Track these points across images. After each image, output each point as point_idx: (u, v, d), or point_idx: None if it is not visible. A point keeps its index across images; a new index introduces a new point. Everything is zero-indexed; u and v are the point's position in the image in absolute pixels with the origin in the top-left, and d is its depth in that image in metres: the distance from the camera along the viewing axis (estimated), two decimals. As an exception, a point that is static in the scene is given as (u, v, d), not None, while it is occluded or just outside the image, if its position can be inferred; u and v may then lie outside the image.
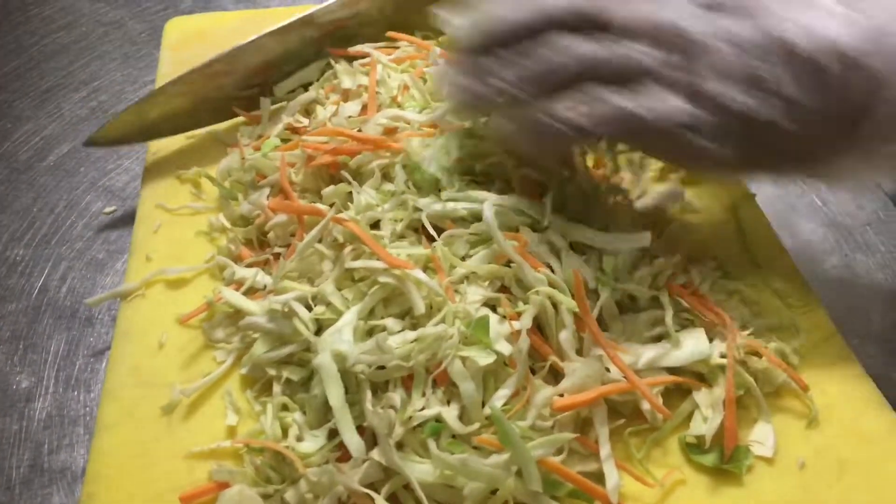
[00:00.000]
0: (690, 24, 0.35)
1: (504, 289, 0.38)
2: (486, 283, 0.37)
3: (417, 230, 0.40)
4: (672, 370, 0.37)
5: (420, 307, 0.36)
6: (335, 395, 0.34)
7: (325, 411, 0.36)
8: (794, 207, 0.51)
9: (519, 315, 0.36)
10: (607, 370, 0.36)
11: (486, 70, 0.37)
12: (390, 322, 0.37)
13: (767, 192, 0.50)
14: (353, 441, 0.34)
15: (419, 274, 0.37)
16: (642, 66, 0.35)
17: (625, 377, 0.35)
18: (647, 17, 0.35)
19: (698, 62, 0.34)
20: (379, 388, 0.36)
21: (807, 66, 0.34)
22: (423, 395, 0.35)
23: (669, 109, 0.35)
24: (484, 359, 0.34)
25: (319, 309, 0.38)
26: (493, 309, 0.37)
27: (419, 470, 0.33)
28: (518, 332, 0.36)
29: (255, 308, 0.39)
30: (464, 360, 0.35)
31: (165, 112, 0.49)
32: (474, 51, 0.38)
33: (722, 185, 0.47)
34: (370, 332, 0.37)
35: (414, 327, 0.37)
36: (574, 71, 0.36)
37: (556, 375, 0.37)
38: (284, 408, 0.37)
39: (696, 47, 0.34)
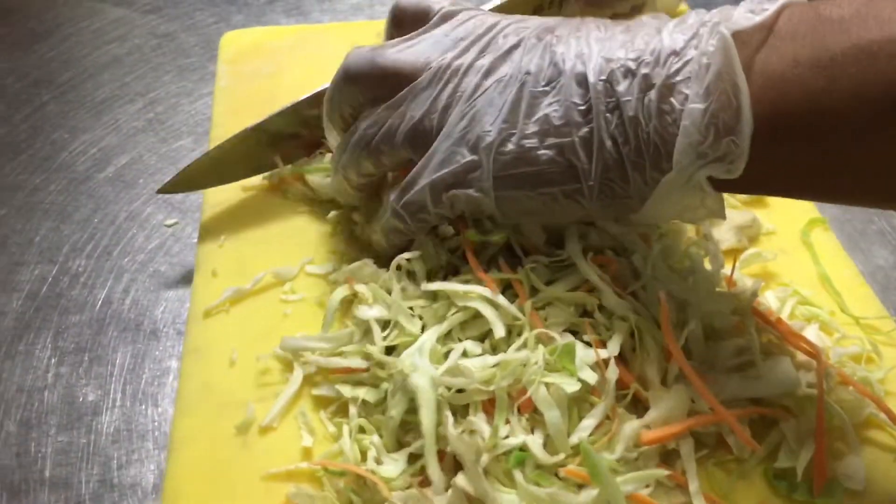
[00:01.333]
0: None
1: (586, 313, 0.37)
2: (570, 308, 0.37)
3: (495, 256, 0.40)
4: (755, 399, 0.37)
5: (500, 331, 0.36)
6: (428, 419, 0.33)
7: (402, 434, 0.36)
8: (863, 233, 0.50)
9: (604, 343, 0.35)
10: (692, 400, 0.35)
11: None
12: (469, 345, 0.37)
13: (835, 216, 0.49)
14: (436, 467, 0.33)
15: (500, 298, 0.36)
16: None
17: (712, 409, 0.34)
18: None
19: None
20: (458, 413, 0.35)
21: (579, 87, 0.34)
22: (507, 422, 0.34)
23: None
24: (571, 386, 0.34)
25: (393, 333, 0.37)
26: (576, 335, 0.36)
27: (507, 500, 0.32)
28: (602, 360, 0.35)
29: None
30: (548, 386, 0.34)
31: (238, 156, 0.48)
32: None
33: (791, 208, 0.47)
34: (446, 355, 0.37)
35: (493, 351, 0.36)
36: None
37: (636, 403, 0.36)
38: (361, 430, 0.36)
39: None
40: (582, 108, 0.34)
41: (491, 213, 0.37)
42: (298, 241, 0.46)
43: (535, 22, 0.38)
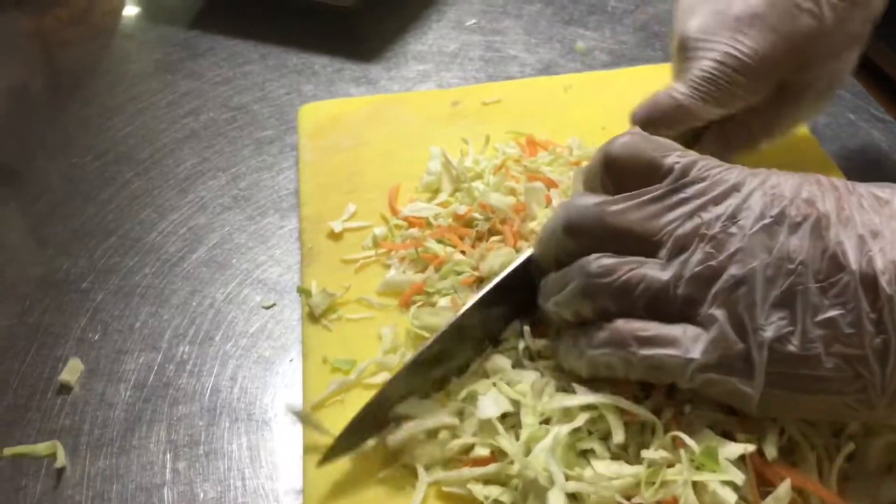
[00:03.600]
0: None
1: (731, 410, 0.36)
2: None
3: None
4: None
5: (620, 437, 0.35)
6: None
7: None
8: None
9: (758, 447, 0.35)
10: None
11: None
12: (597, 447, 0.36)
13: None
14: None
15: (640, 410, 0.36)
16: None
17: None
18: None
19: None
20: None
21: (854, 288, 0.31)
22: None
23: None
24: (730, 496, 0.33)
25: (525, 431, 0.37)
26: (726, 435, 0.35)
27: None
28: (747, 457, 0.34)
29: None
30: (701, 491, 0.33)
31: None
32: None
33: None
34: (576, 452, 0.36)
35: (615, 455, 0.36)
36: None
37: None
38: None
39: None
40: (873, 316, 0.31)
41: (748, 407, 0.34)
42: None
43: (789, 186, 0.34)
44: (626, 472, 0.34)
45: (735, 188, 0.34)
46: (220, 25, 0.76)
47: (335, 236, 0.52)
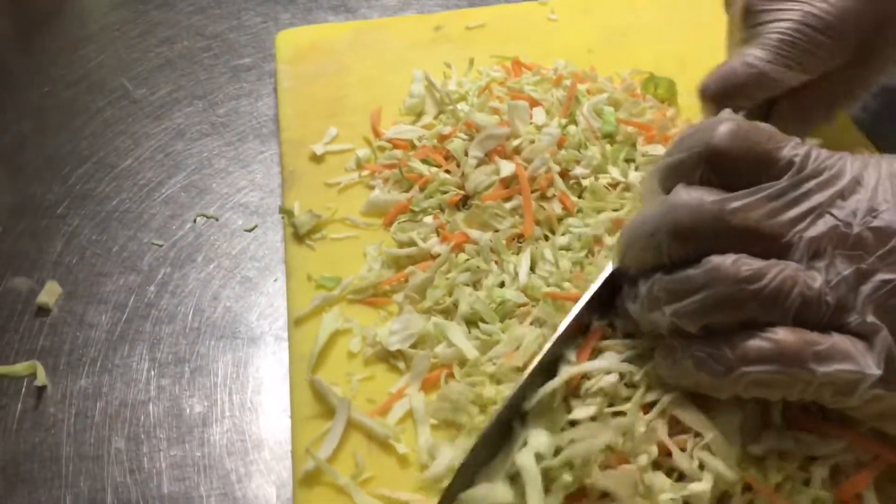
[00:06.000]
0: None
1: None
2: None
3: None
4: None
5: None
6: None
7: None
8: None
9: None
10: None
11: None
12: None
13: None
14: None
15: None
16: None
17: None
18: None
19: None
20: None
21: None
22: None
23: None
24: None
25: None
26: None
27: None
28: None
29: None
30: None
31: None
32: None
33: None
34: None
35: None
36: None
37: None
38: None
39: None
40: None
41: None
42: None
43: None
44: None
45: (857, 181, 0.31)
46: (192, -46, 0.74)
47: (317, 159, 0.51)
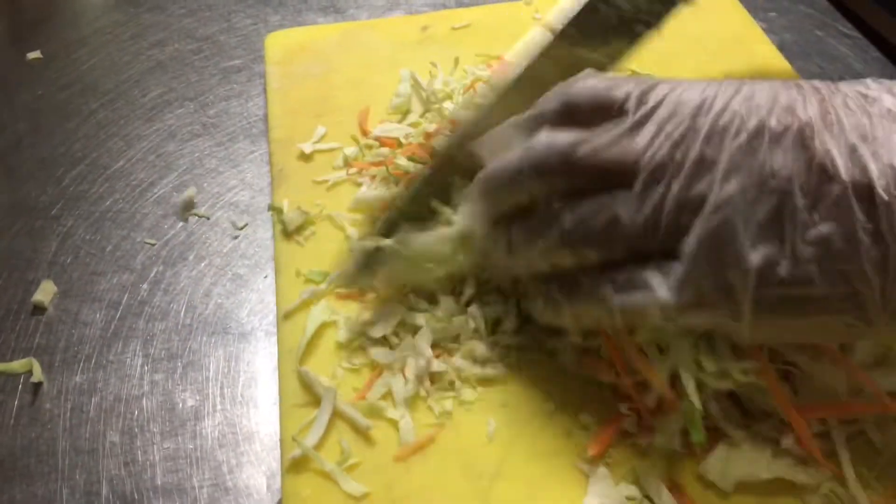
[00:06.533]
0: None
1: None
2: None
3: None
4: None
5: None
6: None
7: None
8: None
9: None
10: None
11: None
12: None
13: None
14: None
15: None
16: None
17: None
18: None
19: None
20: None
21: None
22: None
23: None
24: None
25: None
26: None
27: None
28: None
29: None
30: None
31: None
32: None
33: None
34: None
35: None
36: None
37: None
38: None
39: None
40: (869, 226, 0.29)
41: (739, 337, 0.32)
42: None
43: (764, 95, 0.31)
44: None
45: (702, 107, 0.32)
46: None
47: (305, 157, 0.52)
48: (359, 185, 0.50)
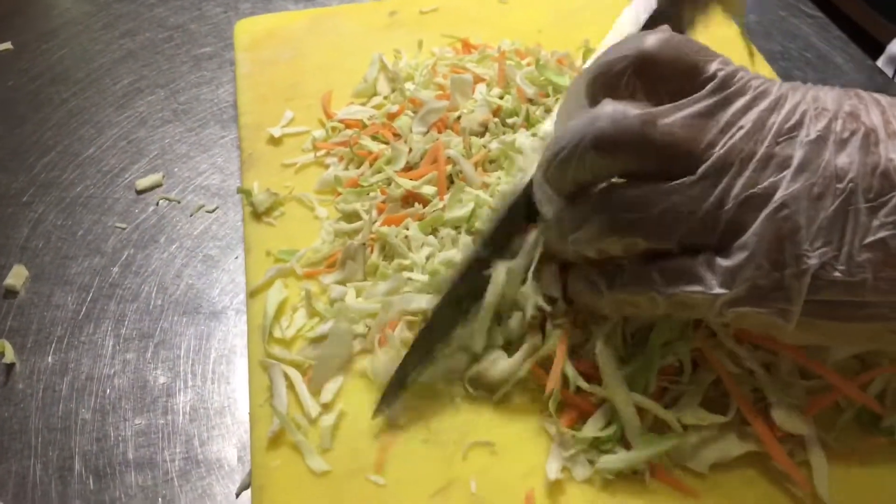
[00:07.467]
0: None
1: None
2: None
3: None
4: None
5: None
6: None
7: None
8: None
9: None
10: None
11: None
12: None
13: None
14: None
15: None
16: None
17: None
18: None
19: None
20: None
21: None
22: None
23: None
24: None
25: None
26: None
27: None
28: None
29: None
30: None
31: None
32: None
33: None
34: None
35: None
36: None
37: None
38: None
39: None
40: None
41: (783, 336, 0.32)
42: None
43: (830, 99, 0.32)
44: None
45: (779, 102, 0.31)
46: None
47: (274, 141, 0.52)
48: (326, 166, 0.50)
